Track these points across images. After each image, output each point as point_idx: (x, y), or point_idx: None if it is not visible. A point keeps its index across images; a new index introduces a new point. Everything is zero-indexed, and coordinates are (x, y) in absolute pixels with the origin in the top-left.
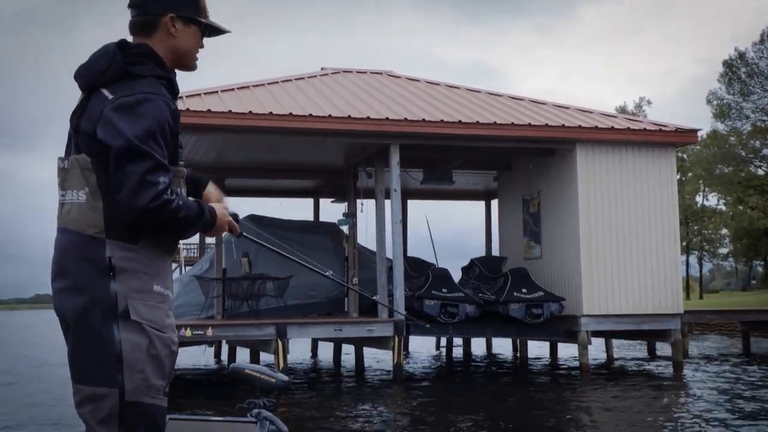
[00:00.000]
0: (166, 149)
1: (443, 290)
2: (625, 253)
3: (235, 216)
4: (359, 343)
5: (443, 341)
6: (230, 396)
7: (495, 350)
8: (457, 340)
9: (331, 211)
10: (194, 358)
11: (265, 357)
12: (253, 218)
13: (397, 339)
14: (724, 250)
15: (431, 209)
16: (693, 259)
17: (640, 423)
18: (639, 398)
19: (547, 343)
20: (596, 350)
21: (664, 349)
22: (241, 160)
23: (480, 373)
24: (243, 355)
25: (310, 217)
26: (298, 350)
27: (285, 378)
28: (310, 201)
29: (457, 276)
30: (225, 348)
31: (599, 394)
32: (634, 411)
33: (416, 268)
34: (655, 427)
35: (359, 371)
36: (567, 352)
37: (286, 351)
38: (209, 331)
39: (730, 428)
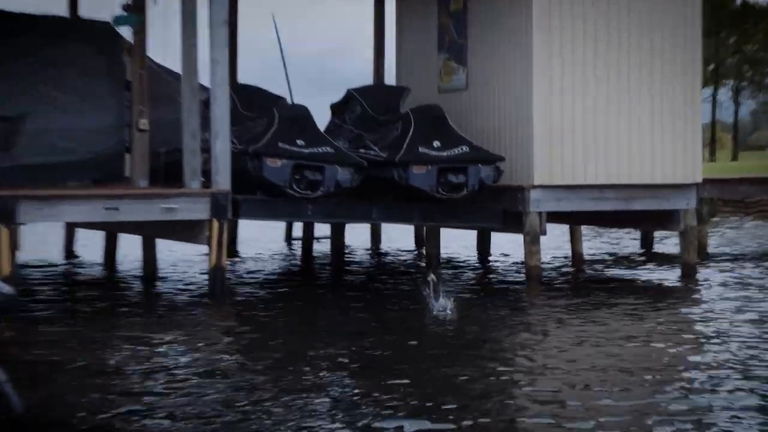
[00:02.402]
0: None
1: (298, 142)
2: (607, 81)
3: None
4: (151, 233)
5: (298, 228)
6: None
7: (387, 243)
8: (323, 227)
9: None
10: None
11: None
12: None
13: (216, 226)
14: None
15: (282, 8)
16: (724, 95)
17: (614, 378)
18: (615, 330)
19: (473, 234)
20: (554, 246)
21: (667, 242)
22: None
23: (356, 284)
24: None
25: (63, 12)
26: (42, 242)
27: (7, 290)
28: None
29: (323, 119)
30: None
31: (552, 323)
32: (604, 354)
33: (253, 104)
34: (635, 385)
35: (149, 280)
36: (506, 247)
37: (14, 245)
38: None
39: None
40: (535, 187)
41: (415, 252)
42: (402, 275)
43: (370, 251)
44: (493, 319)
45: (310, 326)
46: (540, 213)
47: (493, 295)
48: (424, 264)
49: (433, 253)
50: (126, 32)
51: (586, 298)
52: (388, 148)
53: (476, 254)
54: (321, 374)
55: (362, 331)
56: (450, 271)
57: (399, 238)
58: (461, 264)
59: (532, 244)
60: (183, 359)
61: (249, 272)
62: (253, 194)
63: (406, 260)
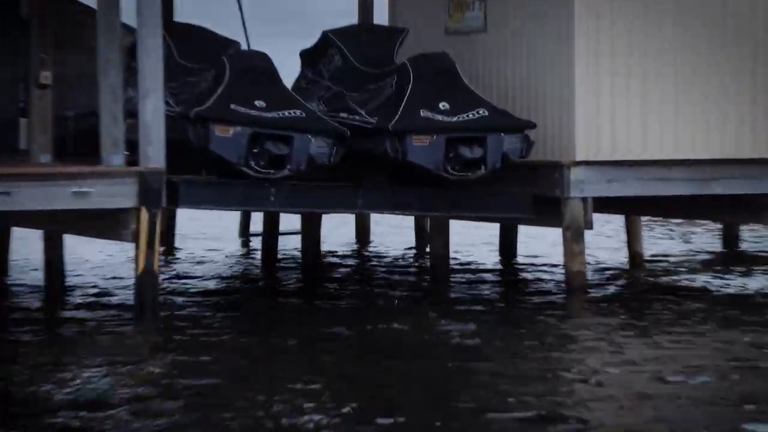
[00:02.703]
0: None
1: (257, 104)
2: (680, 13)
3: None
4: (56, 227)
5: (258, 220)
6: None
7: (378, 241)
8: (291, 219)
9: None
10: None
11: None
12: None
13: (145, 217)
14: None
15: None
16: None
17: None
18: (696, 366)
19: (493, 228)
20: (604, 244)
21: (760, 239)
22: None
23: (334, 295)
24: None
25: None
26: None
27: None
28: None
29: (291, 72)
30: None
31: (604, 354)
32: (685, 403)
33: (196, 52)
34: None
35: (53, 291)
36: (538, 246)
37: None
38: None
39: None
40: (577, 163)
41: (416, 252)
42: (397, 284)
43: (354, 251)
44: (522, 351)
45: (267, 351)
46: (584, 199)
47: (521, 313)
48: (427, 267)
49: (440, 254)
50: None
51: (648, 316)
52: (378, 112)
53: (497, 255)
54: (281, 421)
55: (343, 360)
56: (462, 278)
57: (394, 233)
58: (477, 269)
59: (573, 241)
60: (94, 397)
61: (190, 279)
62: (197, 174)
63: (402, 264)
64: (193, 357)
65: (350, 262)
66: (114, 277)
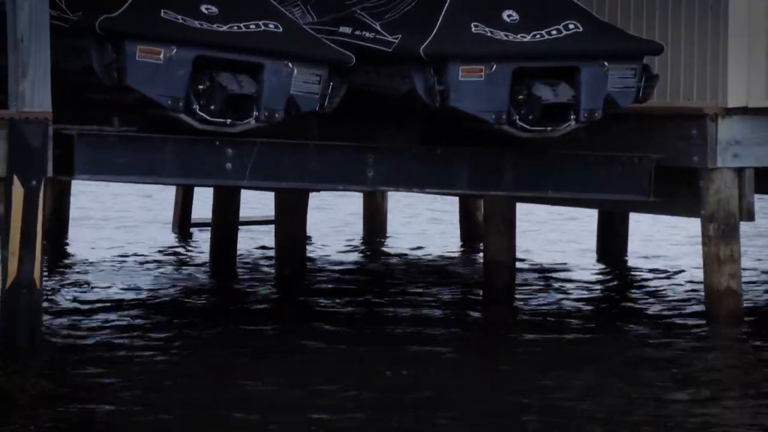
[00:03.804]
0: None
1: (205, 10)
2: None
3: None
4: None
5: (203, 202)
6: None
7: (397, 233)
8: (259, 200)
9: None
10: None
11: None
12: None
13: (19, 193)
14: None
15: None
16: None
17: None
18: None
19: (588, 217)
20: (763, 243)
21: None
22: None
23: (328, 313)
24: None
25: None
26: None
27: None
28: None
29: None
30: None
31: None
32: None
33: None
34: None
35: None
36: (658, 245)
37: None
38: None
39: None
40: (729, 112)
41: (461, 250)
42: (430, 302)
43: (361, 253)
44: (646, 398)
45: (217, 397)
46: (740, 171)
47: (650, 351)
48: (480, 280)
49: (500, 259)
50: None
51: None
52: (401, 26)
53: (595, 256)
54: None
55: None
56: (543, 296)
57: (421, 222)
58: (563, 277)
59: (721, 239)
60: None
61: (89, 293)
62: (105, 125)
63: (440, 268)
64: (88, 412)
65: (355, 269)
66: None
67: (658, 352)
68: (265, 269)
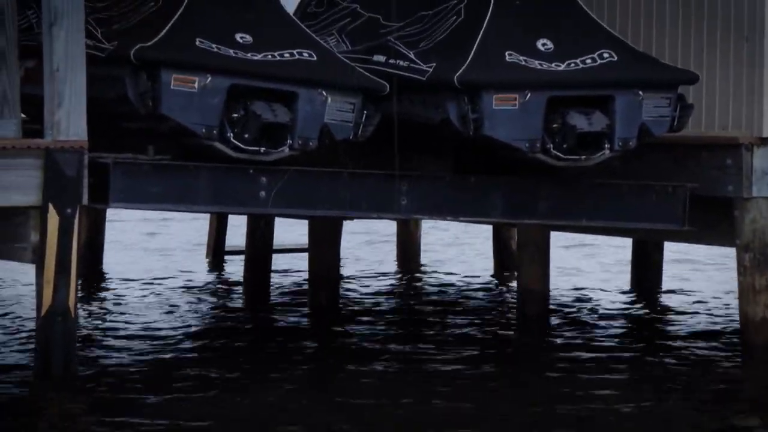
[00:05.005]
0: None
1: (240, 39)
2: None
3: None
4: None
5: (238, 229)
6: None
7: (432, 261)
8: (292, 229)
9: None
10: None
11: None
12: None
13: (55, 221)
14: None
15: None
16: None
17: None
18: None
19: (622, 246)
20: None
21: None
22: None
23: (363, 350)
24: None
25: None
26: None
27: None
28: None
29: None
30: None
31: None
32: None
33: None
34: None
35: None
36: (692, 275)
37: None
38: None
39: None
40: (764, 141)
41: (494, 282)
42: (464, 331)
43: (395, 278)
44: (680, 423)
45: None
46: None
47: (673, 367)
48: (515, 310)
49: (532, 287)
50: None
51: None
52: (436, 54)
53: (629, 286)
54: None
55: None
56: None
57: (456, 252)
58: (596, 310)
59: (757, 270)
60: None
61: (124, 319)
62: (140, 153)
63: (471, 298)
64: None
65: (388, 298)
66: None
67: (692, 381)
68: (297, 299)
